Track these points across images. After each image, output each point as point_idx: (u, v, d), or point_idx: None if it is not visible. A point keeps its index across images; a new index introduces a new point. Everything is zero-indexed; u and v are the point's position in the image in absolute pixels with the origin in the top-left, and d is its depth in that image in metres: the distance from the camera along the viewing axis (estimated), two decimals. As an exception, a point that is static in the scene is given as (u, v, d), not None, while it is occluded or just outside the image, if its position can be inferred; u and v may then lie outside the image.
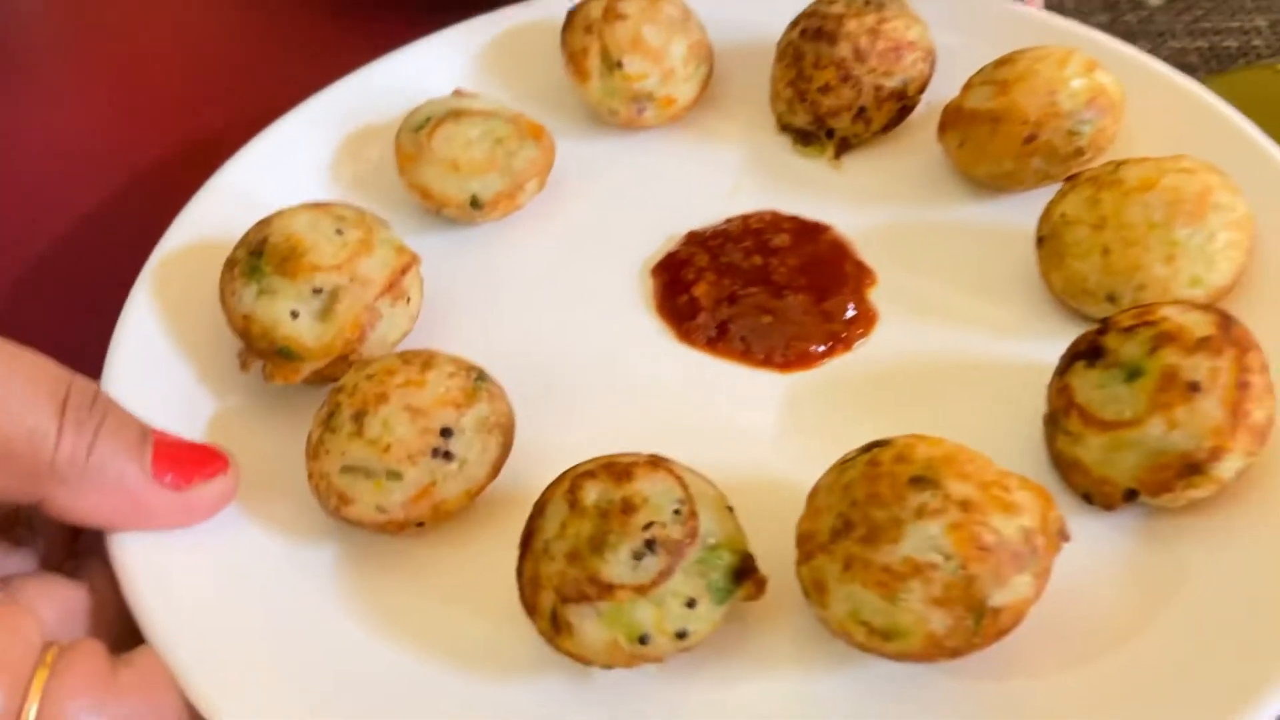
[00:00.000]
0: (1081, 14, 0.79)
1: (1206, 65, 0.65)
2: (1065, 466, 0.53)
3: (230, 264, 0.59)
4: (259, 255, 0.58)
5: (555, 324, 0.66)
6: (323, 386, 0.58)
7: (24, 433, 0.45)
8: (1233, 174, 0.59)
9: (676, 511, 0.47)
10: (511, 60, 0.79)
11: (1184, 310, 0.51)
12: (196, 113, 0.86)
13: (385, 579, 0.53)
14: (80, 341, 0.57)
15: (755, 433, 0.59)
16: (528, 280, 0.69)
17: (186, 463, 0.51)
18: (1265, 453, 0.49)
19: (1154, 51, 0.79)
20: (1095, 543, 0.51)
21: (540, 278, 0.69)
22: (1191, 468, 0.48)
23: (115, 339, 0.60)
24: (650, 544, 0.46)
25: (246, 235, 0.60)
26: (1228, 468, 0.48)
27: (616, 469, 0.48)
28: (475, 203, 0.68)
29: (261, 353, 0.58)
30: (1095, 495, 0.51)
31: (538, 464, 0.55)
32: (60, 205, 0.81)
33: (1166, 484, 0.49)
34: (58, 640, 0.44)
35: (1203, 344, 0.49)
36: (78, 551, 0.52)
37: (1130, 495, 0.50)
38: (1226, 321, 0.50)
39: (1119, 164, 0.60)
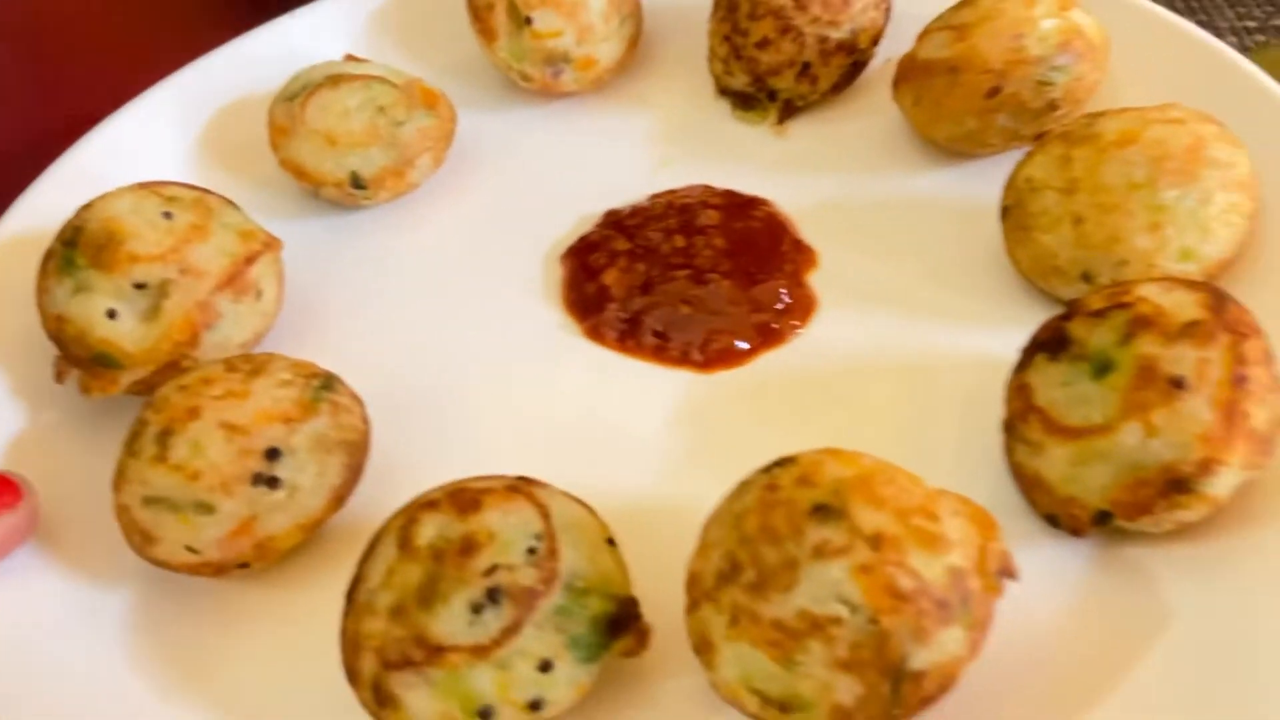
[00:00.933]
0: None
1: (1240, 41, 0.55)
2: (1026, 483, 0.44)
3: (47, 258, 0.52)
4: (73, 246, 0.50)
5: (445, 322, 0.58)
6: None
7: None
8: (1234, 125, 0.50)
9: (531, 550, 0.38)
10: (412, 22, 0.71)
11: (1166, 288, 0.42)
12: (63, 96, 0.78)
13: (196, 632, 0.45)
14: None
15: (663, 446, 0.52)
16: (417, 271, 0.61)
17: None
18: (1272, 466, 0.39)
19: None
20: (1059, 578, 0.43)
21: (432, 268, 0.61)
22: (1176, 484, 0.39)
23: None
24: (493, 593, 0.37)
25: (64, 225, 0.52)
26: (1222, 484, 0.39)
27: (464, 498, 0.40)
28: (357, 181, 0.60)
29: (78, 360, 0.50)
30: (1061, 518, 0.42)
31: (404, 491, 0.46)
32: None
33: (1146, 504, 0.40)
34: None
35: (1189, 330, 0.40)
36: None
37: (1102, 518, 0.41)
38: (1219, 301, 0.41)
39: (1095, 116, 0.51)
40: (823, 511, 0.36)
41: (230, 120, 0.66)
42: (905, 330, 0.54)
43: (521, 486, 0.41)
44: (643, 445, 0.51)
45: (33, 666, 0.43)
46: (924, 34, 0.59)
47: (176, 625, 0.45)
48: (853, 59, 0.63)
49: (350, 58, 0.65)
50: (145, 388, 0.50)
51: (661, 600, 0.41)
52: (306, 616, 0.45)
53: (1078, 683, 0.39)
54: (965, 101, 0.56)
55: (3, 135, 0.71)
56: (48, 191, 0.60)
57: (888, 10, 0.63)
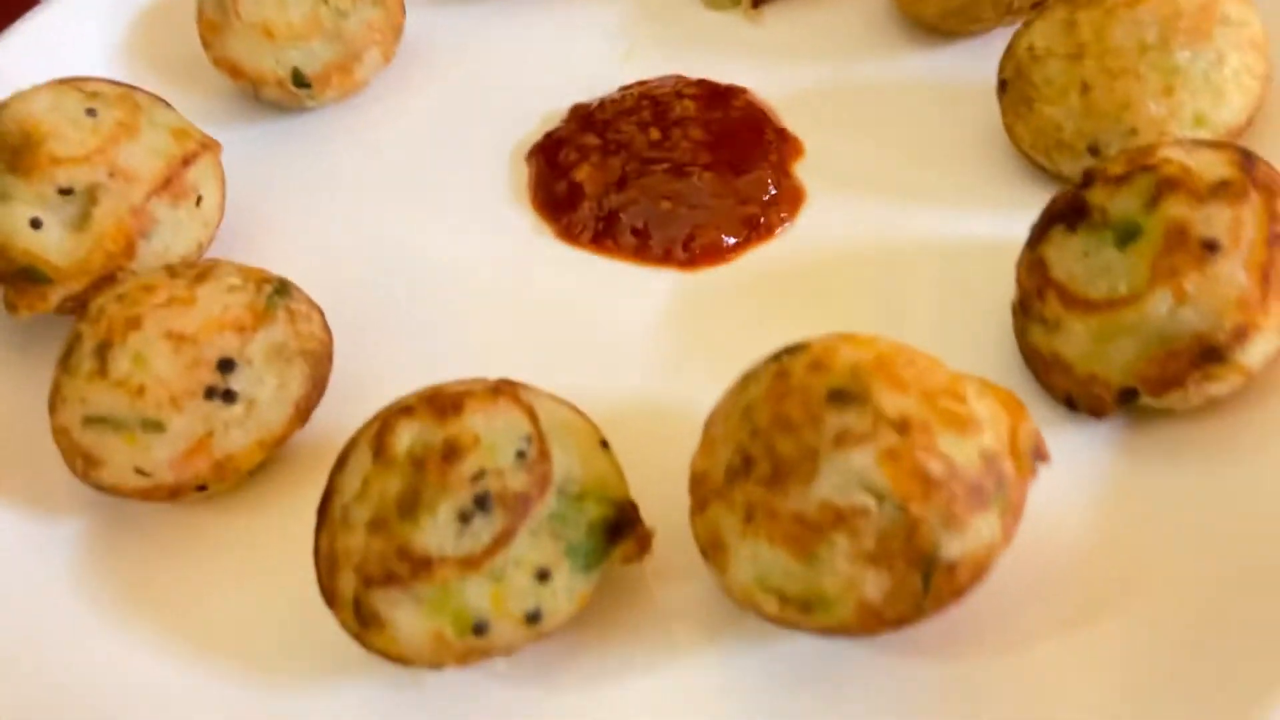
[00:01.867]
0: None
1: None
2: (1042, 364, 0.42)
3: (-39, 165, 0.46)
4: (-10, 151, 0.45)
5: (404, 227, 0.56)
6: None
7: None
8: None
9: (520, 454, 0.35)
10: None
11: (1191, 149, 0.40)
12: None
13: (153, 563, 0.42)
14: None
15: (649, 348, 0.49)
16: (371, 176, 0.58)
17: None
18: (1306, 332, 0.37)
19: None
20: (1080, 465, 0.41)
21: (387, 172, 0.58)
22: (1210, 353, 0.37)
23: None
24: (481, 500, 0.34)
25: (-22, 127, 0.47)
26: (1257, 351, 0.37)
27: (441, 401, 0.36)
28: (299, 79, 0.56)
29: (2, 276, 0.45)
30: (1081, 399, 0.40)
31: (371, 404, 0.42)
32: None
33: (1177, 376, 0.38)
34: None
35: (1220, 190, 0.37)
36: None
37: (1128, 396, 0.39)
38: (1248, 160, 0.39)
39: (1099, -24, 0.47)
40: (841, 397, 0.33)
41: (156, 18, 0.62)
42: (899, 217, 0.51)
43: (504, 388, 0.38)
44: (628, 348, 0.48)
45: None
46: (908, -102, 0.55)
47: (131, 557, 0.42)
48: (831, -65, 0.59)
49: (288, -55, 0.60)
50: (79, 304, 0.46)
51: (660, 504, 0.39)
52: (273, 540, 0.42)
53: (1103, 577, 0.37)
54: (956, -29, 0.53)
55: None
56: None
57: (868, -120, 0.59)
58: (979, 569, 0.33)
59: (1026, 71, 0.48)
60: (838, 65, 0.58)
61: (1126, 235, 0.38)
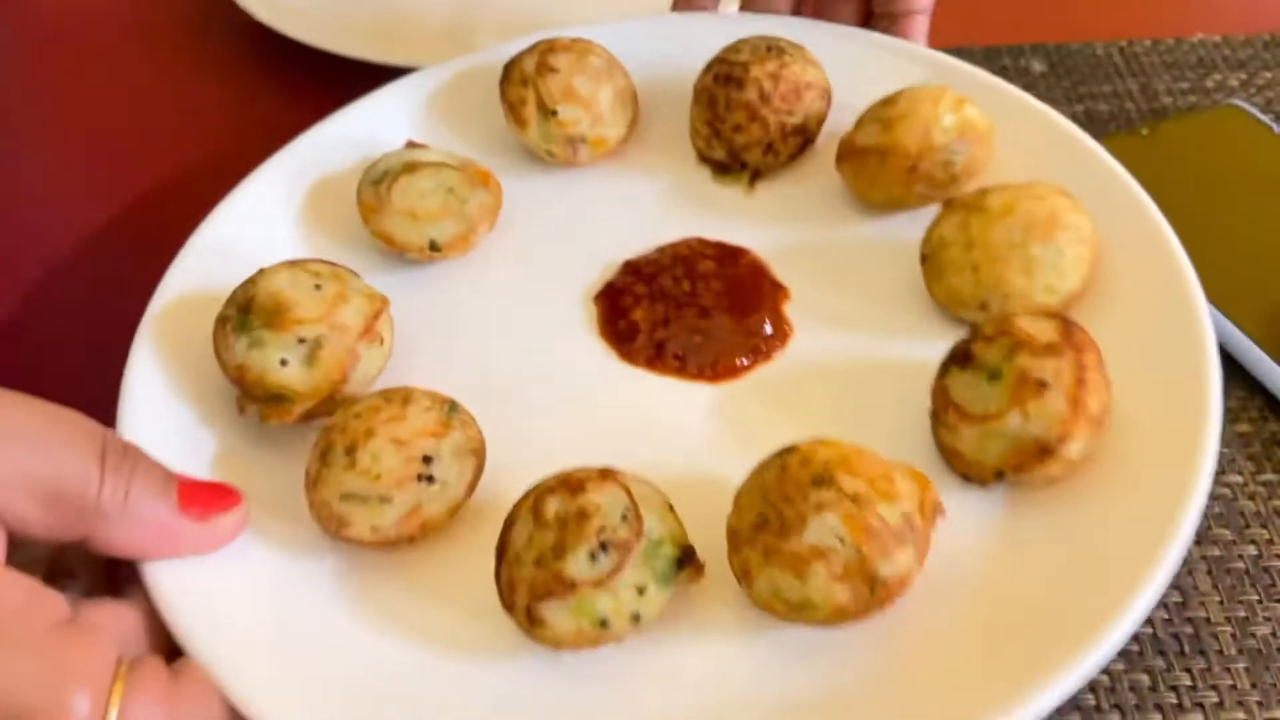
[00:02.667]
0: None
1: (1081, 129, 0.76)
2: (947, 453, 0.63)
3: (222, 321, 0.67)
4: (247, 312, 0.66)
5: (510, 352, 0.74)
6: (311, 423, 0.67)
7: (73, 478, 0.54)
8: (1084, 189, 0.70)
9: (624, 516, 0.56)
10: (455, 110, 0.88)
11: (1034, 320, 0.62)
12: (159, 166, 0.94)
13: (383, 586, 0.62)
14: (70, 387, 0.64)
15: (691, 437, 0.68)
16: (483, 313, 0.77)
17: (205, 498, 0.60)
18: (1102, 436, 0.60)
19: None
20: (974, 514, 0.61)
21: (494, 310, 0.77)
22: (1044, 450, 0.58)
23: (123, 390, 0.68)
24: (604, 545, 0.55)
25: (234, 295, 0.68)
26: (1073, 449, 0.58)
27: (571, 483, 0.58)
28: (434, 246, 0.77)
29: (256, 398, 0.66)
30: (972, 475, 0.62)
31: (506, 478, 0.64)
32: (35, 260, 0.89)
33: (1026, 464, 0.59)
34: (123, 656, 0.53)
35: (1048, 349, 0.59)
36: (116, 581, 0.60)
37: (999, 475, 0.60)
38: (1068, 327, 0.61)
39: (984, 192, 0.70)
40: (819, 481, 0.55)
41: (317, 196, 0.82)
42: (857, 345, 0.71)
43: (608, 474, 0.58)
44: (676, 439, 0.67)
45: (271, 616, 0.61)
46: (858, 124, 0.78)
47: (367, 581, 0.62)
48: (804, 138, 0.82)
49: (411, 144, 0.82)
50: (309, 416, 0.67)
51: (703, 547, 0.58)
52: (454, 571, 0.62)
53: (985, 578, 0.58)
54: (892, 176, 0.75)
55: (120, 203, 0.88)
56: (189, 258, 0.76)
57: (829, 100, 0.82)
58: (904, 582, 0.54)
59: (937, 252, 0.70)
60: (811, 229, 0.78)
61: (994, 375, 0.59)
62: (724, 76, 0.81)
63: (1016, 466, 0.60)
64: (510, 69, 0.83)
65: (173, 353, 0.71)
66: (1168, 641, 0.63)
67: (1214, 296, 0.67)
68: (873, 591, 0.54)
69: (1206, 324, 0.65)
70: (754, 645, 0.59)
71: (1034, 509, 0.62)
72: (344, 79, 0.92)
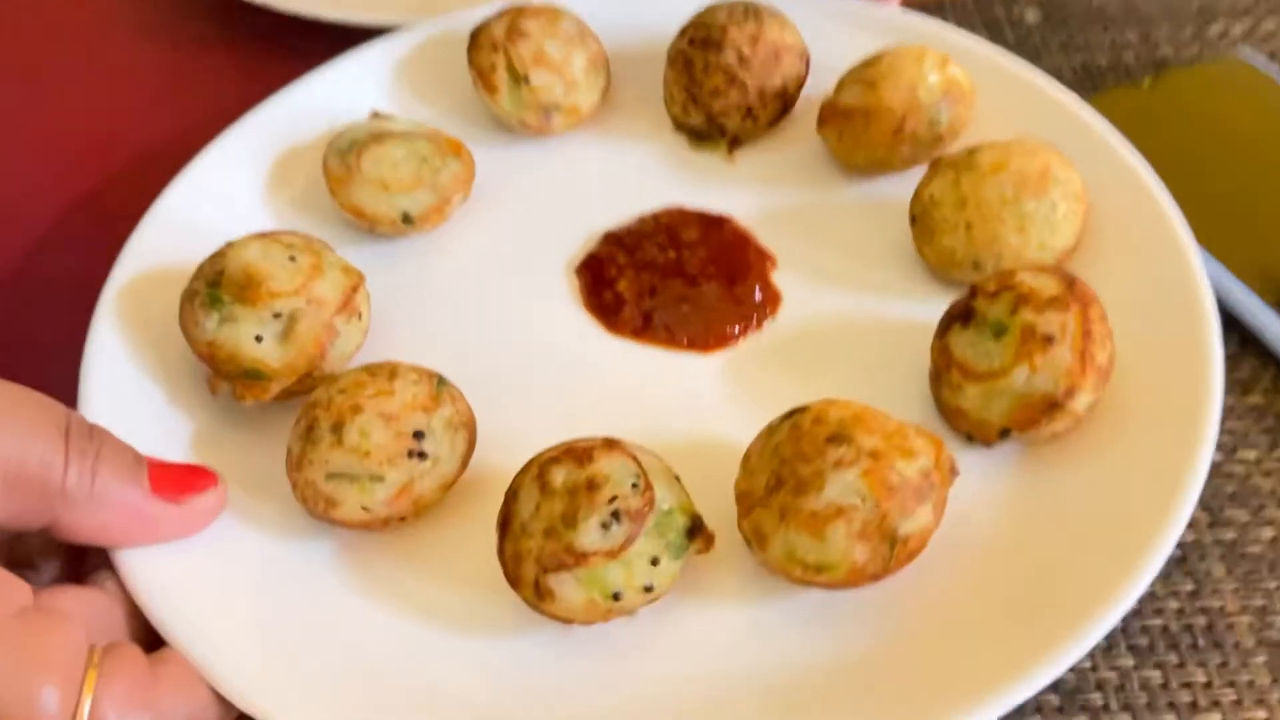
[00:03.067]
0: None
1: (1080, 82, 0.73)
2: (950, 413, 0.62)
3: (190, 296, 0.64)
4: (217, 286, 0.63)
5: (492, 327, 0.72)
6: (288, 401, 0.64)
7: (35, 461, 0.50)
8: (1067, 148, 0.70)
9: (634, 485, 0.54)
10: (421, 78, 0.85)
11: (1036, 274, 0.61)
12: (120, 141, 0.89)
13: (375, 567, 0.59)
14: (36, 363, 0.61)
15: (686, 408, 0.67)
16: (461, 288, 0.74)
17: (179, 480, 0.56)
18: (1108, 388, 0.59)
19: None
20: (979, 474, 0.60)
21: (473, 284, 0.74)
22: (1052, 405, 0.58)
23: (84, 370, 0.64)
24: (616, 514, 0.53)
25: (202, 268, 0.64)
26: (1080, 403, 0.58)
27: (577, 452, 0.55)
28: (407, 219, 0.74)
29: (229, 376, 0.63)
30: (976, 435, 0.61)
31: (497, 453, 0.62)
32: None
33: (1034, 420, 0.58)
34: (96, 644, 0.49)
35: (1053, 302, 0.59)
36: (86, 570, 0.56)
37: (1005, 433, 0.60)
38: (1070, 281, 0.60)
39: (973, 150, 0.69)
40: (835, 439, 0.53)
41: (282, 167, 0.78)
42: (848, 308, 0.69)
43: (614, 443, 0.56)
44: (671, 409, 0.66)
45: (256, 598, 0.57)
46: (839, 86, 0.77)
47: (360, 563, 0.59)
48: (783, 102, 0.80)
49: (376, 114, 0.79)
50: (286, 394, 0.64)
51: (706, 515, 0.56)
52: (451, 547, 0.60)
53: (996, 537, 0.58)
54: (877, 137, 0.74)
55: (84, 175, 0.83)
56: (151, 231, 0.72)
57: (808, 62, 0.81)
58: (922, 540, 0.53)
59: (928, 212, 0.69)
60: (794, 194, 0.77)
61: (998, 331, 0.59)
62: (700, 40, 0.79)
63: (1024, 423, 0.59)
64: (479, 35, 0.80)
65: (136, 330, 0.67)
66: (1180, 634, 0.58)
67: (1220, 252, 0.67)
68: (892, 550, 0.53)
69: (1199, 271, 0.65)
70: (764, 612, 0.58)
71: (1041, 467, 0.61)
72: (307, 46, 0.88)
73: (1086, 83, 0.76)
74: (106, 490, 0.53)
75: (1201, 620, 0.59)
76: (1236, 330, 0.70)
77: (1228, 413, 0.67)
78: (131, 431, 0.59)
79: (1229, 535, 0.62)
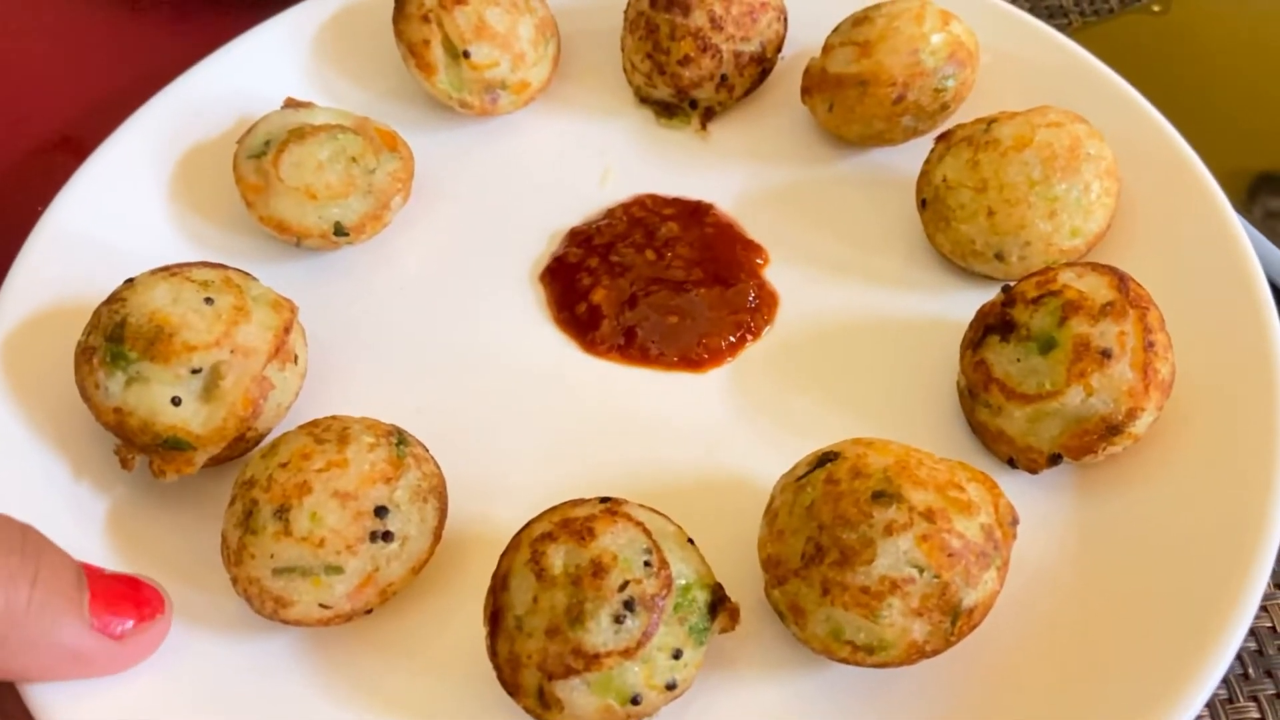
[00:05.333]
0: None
1: (1079, 8, 0.65)
2: (988, 436, 0.55)
3: (85, 352, 0.53)
4: (119, 341, 0.52)
5: (451, 354, 0.62)
6: (215, 467, 0.54)
7: None
8: (1089, 115, 0.62)
9: (647, 563, 0.46)
10: (341, 55, 0.73)
11: (1080, 274, 0.53)
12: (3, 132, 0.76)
13: (343, 659, 0.51)
14: None
15: (685, 439, 0.59)
16: (408, 308, 0.64)
17: (123, 603, 0.46)
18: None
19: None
20: (1026, 504, 0.52)
21: (423, 302, 0.65)
22: (1112, 429, 0.51)
23: None
24: (629, 604, 0.45)
25: (98, 317, 0.53)
26: (1142, 424, 0.51)
27: (575, 526, 0.47)
28: (339, 230, 0.63)
29: (144, 447, 0.52)
30: (1020, 461, 0.54)
31: (471, 504, 0.54)
32: None
33: (1090, 446, 0.51)
34: None
35: (1106, 309, 0.51)
36: None
37: (1055, 459, 0.52)
38: (1123, 282, 0.52)
39: (989, 122, 0.61)
40: (882, 497, 0.45)
41: (187, 169, 0.67)
42: (852, 305, 0.62)
43: (615, 508, 0.48)
44: (666, 442, 0.57)
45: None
46: (827, 49, 0.67)
47: (320, 662, 0.50)
48: (761, 67, 0.71)
49: (291, 101, 0.67)
50: (215, 462, 0.54)
51: (724, 575, 0.49)
52: (426, 636, 0.51)
53: (1060, 587, 0.51)
54: (875, 108, 0.65)
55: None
56: (35, 261, 0.60)
57: (785, 21, 0.71)
58: (987, 609, 0.46)
59: (943, 197, 0.61)
60: (779, 172, 0.69)
61: (1046, 346, 0.51)
62: (665, 1, 0.68)
63: (1078, 450, 0.52)
64: (405, 2, 0.69)
65: (27, 387, 0.56)
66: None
67: (1234, 193, 0.59)
68: (954, 624, 0.45)
69: (1246, 247, 0.58)
70: (799, 689, 0.50)
71: (1099, 492, 0.54)
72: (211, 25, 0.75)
73: (1088, 7, 0.67)
74: (39, 622, 0.42)
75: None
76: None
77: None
78: (30, 518, 0.48)
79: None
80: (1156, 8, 0.77)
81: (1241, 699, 0.54)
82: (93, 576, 0.45)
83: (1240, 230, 0.59)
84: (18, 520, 0.44)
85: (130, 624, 0.46)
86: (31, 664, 0.44)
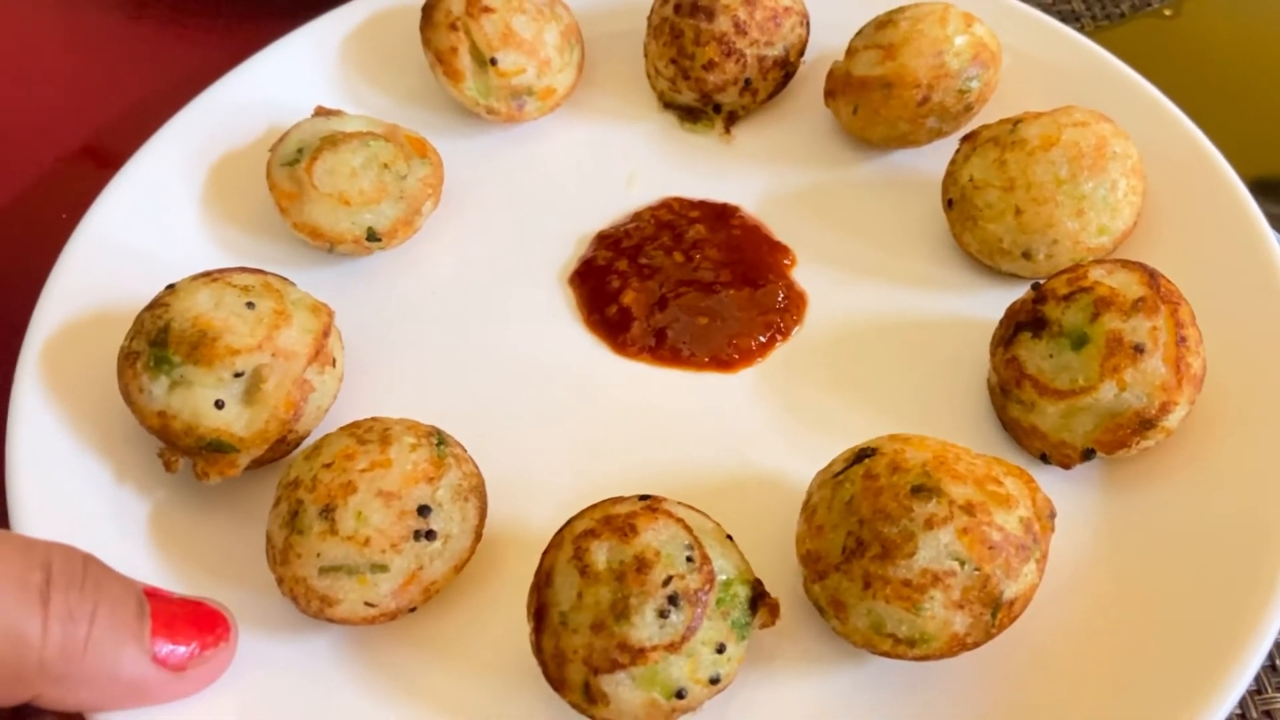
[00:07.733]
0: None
1: (1091, 12, 0.66)
2: (1021, 432, 0.55)
3: (129, 357, 0.53)
4: (163, 345, 0.52)
5: (484, 355, 0.63)
6: (258, 469, 0.55)
7: (2, 635, 0.40)
8: (1113, 114, 0.62)
9: (689, 559, 0.46)
10: (369, 62, 0.74)
11: (1110, 270, 0.54)
12: (36, 137, 0.77)
13: (386, 657, 0.51)
14: None
15: (718, 437, 0.59)
16: (442, 309, 0.65)
17: (187, 628, 0.46)
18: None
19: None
20: (1062, 499, 0.52)
21: (455, 305, 0.65)
22: (1146, 424, 0.51)
23: (9, 451, 0.54)
24: (673, 599, 0.45)
25: (141, 323, 0.54)
26: (1175, 418, 0.52)
27: (617, 523, 0.47)
28: (372, 235, 0.64)
29: (188, 450, 0.53)
30: (1053, 456, 0.54)
31: (508, 504, 0.55)
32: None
33: (1123, 441, 0.52)
34: None
35: (1139, 305, 0.52)
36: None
37: (1089, 454, 0.53)
38: (1153, 278, 0.53)
39: (1015, 122, 0.62)
40: (921, 491, 0.46)
41: (220, 176, 0.68)
42: (880, 304, 0.63)
43: (655, 505, 0.48)
44: (695, 440, 0.58)
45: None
46: (850, 52, 0.68)
47: (367, 659, 0.51)
48: (784, 71, 0.71)
49: (321, 110, 0.68)
50: (258, 464, 0.54)
51: (761, 571, 0.49)
52: (470, 634, 0.52)
53: (1094, 580, 0.51)
54: (900, 110, 0.66)
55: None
56: (74, 268, 0.61)
57: (808, 25, 0.72)
58: (1026, 601, 0.46)
59: (970, 197, 0.62)
60: (803, 174, 0.70)
61: (1079, 342, 0.52)
62: (689, 6, 0.69)
63: (1111, 444, 0.52)
64: (433, 11, 0.69)
65: (69, 392, 0.57)
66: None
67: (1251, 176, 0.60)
68: (995, 616, 0.46)
69: (1273, 249, 0.58)
70: (839, 684, 0.51)
71: (1132, 486, 0.54)
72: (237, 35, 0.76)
73: (1101, 11, 0.68)
74: (99, 657, 0.42)
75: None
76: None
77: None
78: (74, 523, 0.50)
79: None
80: (1168, 12, 0.78)
81: (1270, 689, 0.54)
82: (155, 601, 0.45)
83: (1265, 227, 0.59)
84: (79, 550, 0.44)
85: (194, 648, 0.46)
86: (89, 698, 0.43)
